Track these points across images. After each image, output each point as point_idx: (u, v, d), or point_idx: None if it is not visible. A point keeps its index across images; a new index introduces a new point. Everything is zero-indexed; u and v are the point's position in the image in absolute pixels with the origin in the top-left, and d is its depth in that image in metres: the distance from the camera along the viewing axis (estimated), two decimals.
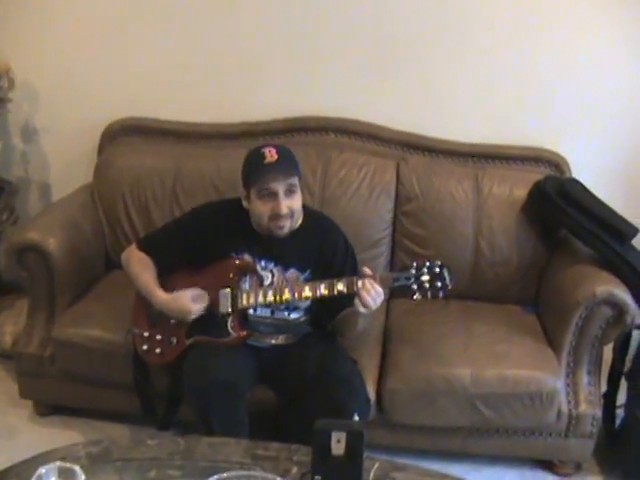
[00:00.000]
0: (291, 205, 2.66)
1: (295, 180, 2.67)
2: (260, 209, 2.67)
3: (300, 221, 2.78)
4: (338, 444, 1.91)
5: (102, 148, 3.69)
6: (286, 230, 2.70)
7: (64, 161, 3.92)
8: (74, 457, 2.00)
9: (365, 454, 1.94)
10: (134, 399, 2.96)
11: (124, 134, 3.66)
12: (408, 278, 2.57)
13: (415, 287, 2.56)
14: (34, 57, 3.75)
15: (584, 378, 2.96)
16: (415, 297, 2.57)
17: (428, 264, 2.58)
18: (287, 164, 2.66)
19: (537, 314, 3.23)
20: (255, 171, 2.66)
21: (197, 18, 3.57)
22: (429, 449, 3.00)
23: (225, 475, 1.75)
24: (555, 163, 3.43)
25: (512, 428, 2.93)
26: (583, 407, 2.92)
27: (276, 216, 2.65)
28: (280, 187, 2.62)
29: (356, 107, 3.53)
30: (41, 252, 3.06)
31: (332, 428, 1.92)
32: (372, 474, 2.03)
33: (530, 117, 3.49)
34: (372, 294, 2.51)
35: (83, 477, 1.80)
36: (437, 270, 2.57)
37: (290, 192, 2.65)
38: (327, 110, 3.54)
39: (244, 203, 2.75)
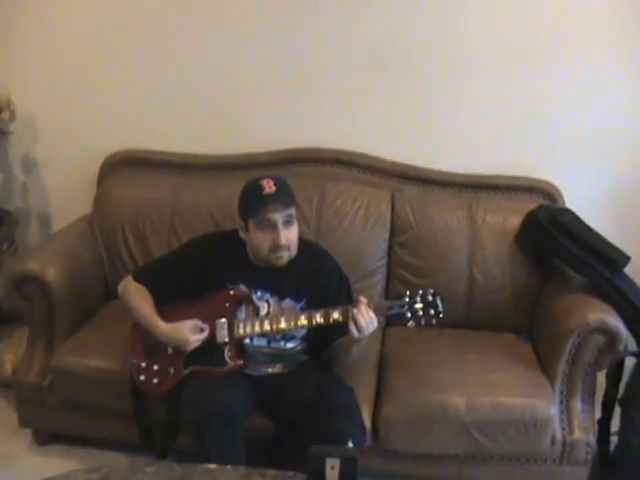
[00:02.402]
0: (289, 236, 2.70)
1: (293, 211, 2.71)
2: (259, 240, 2.72)
3: (294, 254, 2.82)
4: (332, 470, 1.92)
5: (101, 180, 3.73)
6: (284, 261, 2.74)
7: (64, 192, 3.96)
8: None
9: None
10: (132, 428, 2.98)
11: (123, 166, 3.70)
12: (402, 306, 2.61)
13: (409, 315, 2.60)
14: (35, 89, 3.81)
15: (578, 405, 2.97)
16: (409, 325, 2.61)
17: (421, 292, 2.62)
18: (285, 195, 2.71)
19: (531, 342, 3.25)
20: (254, 202, 2.71)
21: (193, 51, 3.64)
22: (425, 476, 3.01)
23: None
24: (548, 193, 3.47)
25: (507, 455, 2.94)
26: (577, 434, 2.93)
27: (276, 247, 2.69)
28: (279, 218, 2.67)
29: (351, 138, 3.58)
30: (40, 282, 3.09)
31: (326, 454, 1.93)
32: None
33: (523, 147, 3.54)
34: (366, 319, 2.54)
35: None
36: (430, 298, 2.61)
37: (288, 223, 2.69)
38: (322, 141, 3.59)
39: (241, 234, 2.79)
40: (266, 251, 2.72)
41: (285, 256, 2.73)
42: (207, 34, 3.61)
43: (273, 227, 2.67)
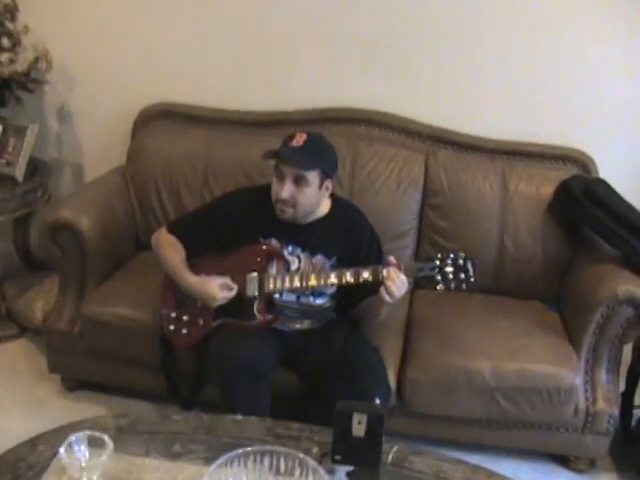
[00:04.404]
0: (297, 195, 2.70)
1: (307, 173, 2.68)
2: (273, 186, 2.76)
3: (326, 210, 2.85)
4: (359, 425, 1.94)
5: (135, 132, 3.73)
6: (287, 216, 2.75)
7: (97, 144, 3.97)
8: (102, 428, 2.04)
9: (384, 438, 1.99)
10: (160, 378, 3.02)
11: (157, 119, 3.70)
12: (432, 269, 2.61)
13: (439, 278, 2.60)
14: (71, 40, 3.79)
15: (603, 376, 2.98)
16: (438, 287, 2.61)
17: (452, 256, 2.62)
18: (306, 155, 2.68)
19: (558, 311, 3.25)
20: (280, 149, 2.73)
21: (231, 6, 3.62)
22: (446, 438, 3.04)
23: (249, 449, 1.79)
24: (582, 163, 3.43)
25: (529, 422, 2.96)
26: (601, 404, 2.94)
27: (277, 199, 2.72)
28: (288, 173, 2.68)
29: (387, 100, 3.56)
30: (74, 231, 3.12)
31: (354, 409, 1.95)
32: (390, 457, 2.08)
33: (558, 116, 3.51)
34: (397, 283, 2.55)
35: (111, 446, 1.85)
36: (461, 262, 2.61)
37: (299, 183, 2.69)
38: (358, 101, 3.57)
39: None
40: (274, 199, 2.75)
41: (288, 211, 2.74)
42: None
43: (283, 179, 2.69)
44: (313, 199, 2.76)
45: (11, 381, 3.40)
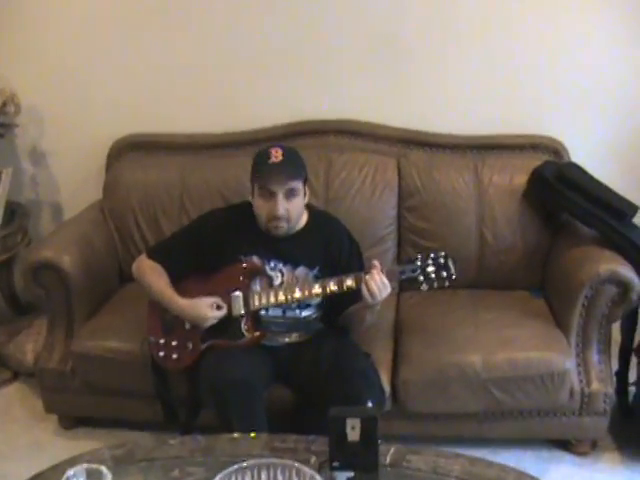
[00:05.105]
0: (289, 207, 2.72)
1: (296, 184, 2.72)
2: (260, 207, 2.76)
3: (304, 222, 2.86)
4: (353, 430, 1.96)
5: (109, 165, 3.75)
6: (282, 231, 2.77)
7: (73, 181, 3.98)
8: (100, 460, 2.04)
9: (381, 441, 1.99)
10: (156, 407, 3.01)
11: (130, 150, 3.72)
12: (414, 270, 2.63)
13: (422, 278, 2.62)
14: (37, 82, 3.82)
15: (594, 357, 2.99)
16: (422, 288, 2.63)
17: (433, 255, 2.64)
18: (290, 166, 2.72)
19: (544, 297, 3.27)
20: (259, 169, 2.74)
21: (194, 31, 3.64)
22: (446, 436, 3.04)
23: (245, 464, 1.80)
24: (553, 149, 3.47)
25: (526, 410, 2.96)
26: (595, 385, 2.95)
27: (273, 217, 2.72)
28: (280, 189, 2.69)
29: (354, 107, 3.60)
30: (56, 269, 3.12)
31: (346, 415, 1.97)
32: (388, 458, 2.08)
33: (525, 105, 3.54)
34: (378, 284, 2.56)
35: (110, 477, 1.85)
36: (442, 261, 2.63)
37: (290, 195, 2.71)
38: (326, 112, 3.60)
39: (250, 198, 2.82)
40: (264, 219, 2.75)
41: (284, 227, 2.76)
42: (204, 13, 3.61)
43: (273, 196, 2.70)
44: (301, 208, 2.80)
45: (8, 426, 3.39)
